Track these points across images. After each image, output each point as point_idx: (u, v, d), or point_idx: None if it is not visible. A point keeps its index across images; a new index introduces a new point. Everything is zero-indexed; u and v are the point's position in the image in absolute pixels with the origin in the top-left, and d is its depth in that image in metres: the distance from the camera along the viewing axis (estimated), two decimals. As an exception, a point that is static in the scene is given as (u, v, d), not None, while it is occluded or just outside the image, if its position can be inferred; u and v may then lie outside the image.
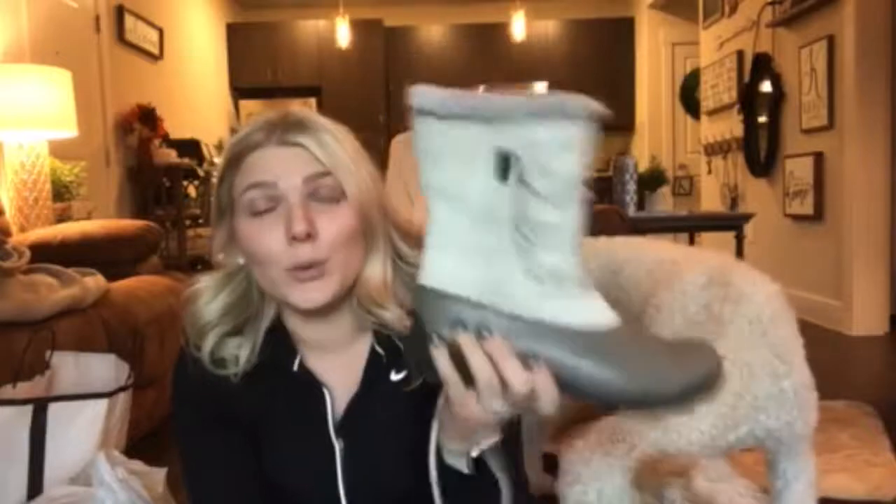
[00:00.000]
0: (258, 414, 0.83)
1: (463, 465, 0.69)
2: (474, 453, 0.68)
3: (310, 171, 0.75)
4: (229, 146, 0.79)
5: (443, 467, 0.70)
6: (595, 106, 0.57)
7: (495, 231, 0.57)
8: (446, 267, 0.59)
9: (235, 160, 0.77)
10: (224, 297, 0.82)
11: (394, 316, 0.78)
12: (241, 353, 0.81)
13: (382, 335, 0.81)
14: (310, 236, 0.73)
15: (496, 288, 0.57)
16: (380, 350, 0.81)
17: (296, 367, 0.82)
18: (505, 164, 0.55)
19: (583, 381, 0.56)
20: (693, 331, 1.00)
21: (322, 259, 0.74)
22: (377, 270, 0.79)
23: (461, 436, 0.67)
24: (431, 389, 0.66)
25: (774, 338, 1.01)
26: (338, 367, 0.83)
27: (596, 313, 0.57)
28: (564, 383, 0.57)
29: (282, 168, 0.75)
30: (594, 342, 0.56)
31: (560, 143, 0.55)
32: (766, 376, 0.98)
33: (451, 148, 0.57)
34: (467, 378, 0.59)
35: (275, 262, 0.74)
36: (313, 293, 0.75)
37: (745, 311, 1.01)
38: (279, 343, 0.83)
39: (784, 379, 1.00)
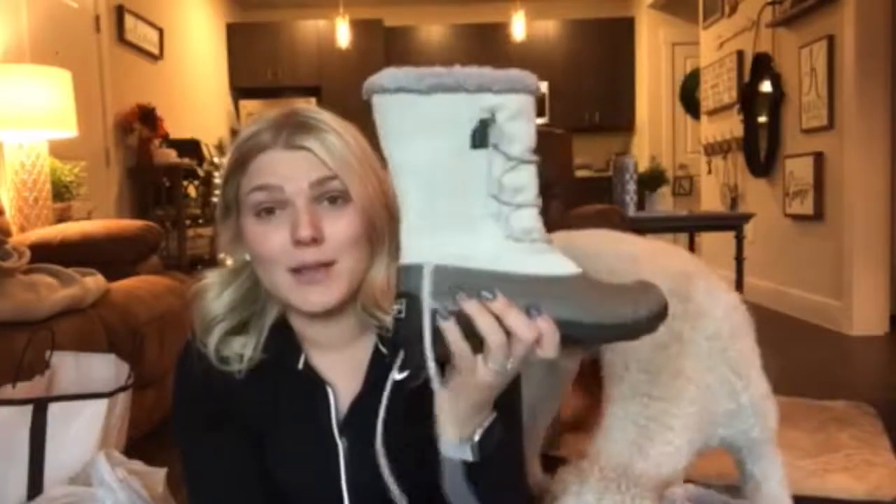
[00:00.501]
0: (261, 412, 0.83)
1: (468, 453, 0.69)
2: (477, 436, 0.68)
3: (316, 176, 0.75)
4: (236, 146, 0.79)
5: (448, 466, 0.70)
6: (536, 82, 0.64)
7: (470, 200, 0.61)
8: (431, 242, 0.62)
9: (242, 161, 0.78)
10: (231, 292, 0.83)
11: None
12: (245, 351, 0.81)
13: (386, 335, 0.81)
14: (315, 241, 0.73)
15: (481, 254, 0.61)
16: (383, 349, 0.82)
17: (301, 366, 0.82)
18: (484, 131, 0.61)
19: (560, 322, 0.62)
20: (658, 355, 0.99)
21: (327, 261, 0.75)
22: (381, 273, 0.79)
23: (463, 419, 0.68)
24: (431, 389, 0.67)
25: (733, 352, 1.01)
26: (341, 365, 0.83)
27: (564, 263, 0.63)
28: None
29: (288, 172, 0.75)
30: (566, 288, 0.62)
31: (524, 111, 0.62)
32: (725, 395, 1.00)
33: (423, 122, 0.62)
34: (475, 345, 0.62)
35: (278, 263, 0.75)
36: (317, 297, 0.75)
37: (704, 328, 1.00)
38: (284, 340, 0.83)
39: (742, 394, 1.01)
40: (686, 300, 1.02)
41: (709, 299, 1.03)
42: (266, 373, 0.82)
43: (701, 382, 0.98)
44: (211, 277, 0.84)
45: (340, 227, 0.75)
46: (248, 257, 0.81)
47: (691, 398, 0.97)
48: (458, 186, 0.61)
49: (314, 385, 0.82)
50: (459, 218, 0.61)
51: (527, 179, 0.61)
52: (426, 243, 0.62)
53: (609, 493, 0.88)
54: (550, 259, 0.62)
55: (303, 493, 0.82)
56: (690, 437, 0.97)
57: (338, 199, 0.76)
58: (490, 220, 0.61)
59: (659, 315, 0.63)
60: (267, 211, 0.76)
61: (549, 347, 0.61)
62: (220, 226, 0.82)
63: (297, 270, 0.75)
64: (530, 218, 0.62)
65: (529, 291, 0.61)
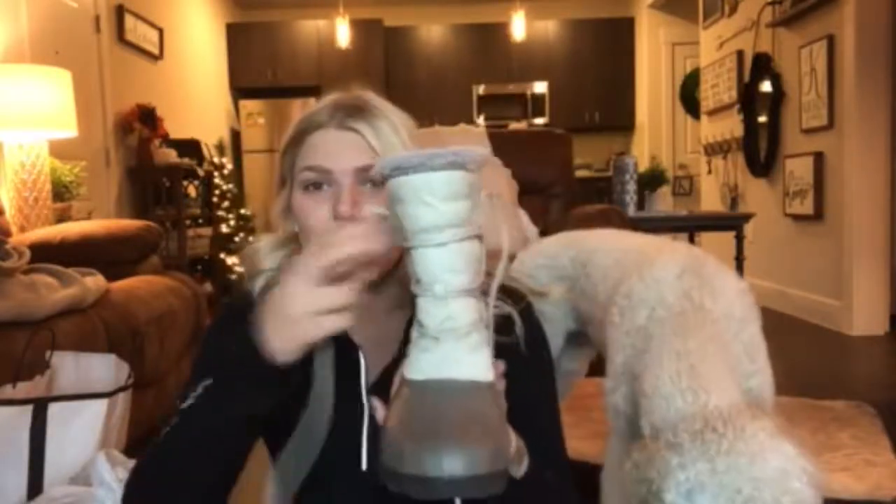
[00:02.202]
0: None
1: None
2: None
3: (362, 163, 0.80)
4: (298, 119, 0.85)
5: None
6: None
7: None
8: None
9: (298, 137, 0.84)
10: (279, 256, 0.88)
11: None
12: None
13: None
14: (353, 217, 0.78)
15: None
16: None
17: None
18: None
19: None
20: (675, 322, 0.98)
21: None
22: None
23: None
24: None
25: (745, 334, 1.01)
26: (374, 339, 0.86)
27: (418, 369, 0.60)
28: None
29: (336, 154, 0.81)
30: (403, 396, 0.60)
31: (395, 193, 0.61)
32: (738, 375, 0.98)
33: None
34: None
35: (319, 236, 0.79)
36: None
37: (720, 306, 1.00)
38: None
39: (752, 378, 1.00)
40: (700, 275, 1.02)
41: (720, 279, 1.04)
42: None
43: (727, 353, 0.96)
44: (263, 240, 0.90)
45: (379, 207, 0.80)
46: (296, 228, 0.86)
47: (720, 357, 0.94)
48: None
49: (346, 348, 0.84)
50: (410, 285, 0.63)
51: (413, 266, 0.59)
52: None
53: (713, 443, 0.76)
54: (419, 359, 0.59)
55: (322, 449, 0.83)
56: (738, 391, 0.90)
57: (380, 183, 0.79)
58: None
59: (475, 480, 0.52)
60: (315, 186, 0.81)
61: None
62: (277, 196, 0.88)
63: None
64: (421, 309, 0.59)
65: (397, 385, 0.62)
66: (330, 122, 0.82)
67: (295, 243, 0.88)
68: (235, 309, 0.87)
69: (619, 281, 1.13)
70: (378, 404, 0.65)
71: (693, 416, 0.82)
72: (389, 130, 0.82)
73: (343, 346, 0.85)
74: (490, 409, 0.57)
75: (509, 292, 0.86)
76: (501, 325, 0.80)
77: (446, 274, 0.57)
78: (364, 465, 0.83)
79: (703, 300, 0.99)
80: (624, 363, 1.03)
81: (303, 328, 0.65)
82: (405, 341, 0.84)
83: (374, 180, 0.80)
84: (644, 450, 0.83)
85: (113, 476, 1.27)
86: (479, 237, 0.59)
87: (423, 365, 0.58)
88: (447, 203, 0.56)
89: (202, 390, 0.71)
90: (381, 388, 0.82)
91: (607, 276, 1.20)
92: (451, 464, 0.51)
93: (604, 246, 1.27)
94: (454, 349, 0.57)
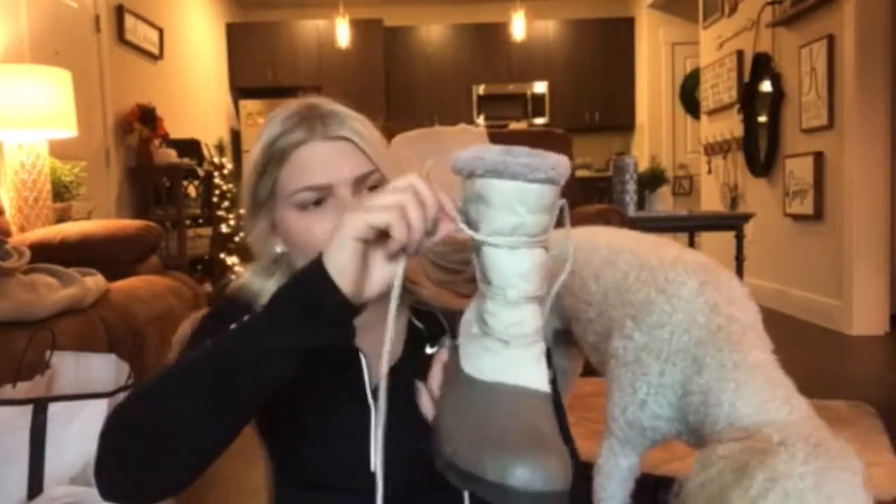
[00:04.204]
0: None
1: None
2: None
3: (360, 170, 0.79)
4: (264, 147, 0.80)
5: None
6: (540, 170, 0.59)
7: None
8: None
9: (280, 156, 0.80)
10: (272, 283, 0.85)
11: (430, 293, 0.84)
12: None
13: (421, 311, 0.85)
14: None
15: (463, 320, 0.65)
16: (418, 324, 0.86)
17: None
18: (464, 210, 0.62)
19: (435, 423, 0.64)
20: (714, 339, 0.98)
21: None
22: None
23: None
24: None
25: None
26: (373, 341, 0.85)
27: (497, 371, 0.61)
28: None
29: (333, 166, 0.78)
30: (473, 394, 0.60)
31: (487, 196, 0.60)
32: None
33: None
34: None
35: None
36: None
37: (746, 315, 1.01)
38: None
39: None
40: (718, 286, 1.03)
41: (734, 289, 1.04)
42: None
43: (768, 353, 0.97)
44: (248, 272, 0.87)
45: None
46: (279, 249, 0.84)
47: (773, 363, 0.96)
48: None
49: (346, 353, 0.84)
50: (478, 280, 0.62)
51: (483, 266, 0.59)
52: None
53: (823, 452, 0.80)
54: (484, 358, 0.59)
55: (329, 453, 0.83)
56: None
57: (376, 188, 0.80)
58: (480, 293, 0.62)
59: (550, 496, 0.51)
60: (315, 203, 0.79)
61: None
62: (251, 219, 0.84)
63: None
64: (487, 310, 0.59)
65: (448, 376, 0.62)
66: (312, 135, 0.79)
67: (280, 266, 0.85)
68: (230, 308, 0.84)
69: (621, 287, 1.12)
70: (421, 386, 0.66)
71: (795, 424, 0.85)
72: (365, 129, 0.81)
73: (344, 351, 0.85)
74: (554, 423, 0.58)
75: None
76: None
77: (519, 280, 0.58)
78: (373, 467, 0.82)
79: (732, 312, 1.00)
80: (659, 386, 1.03)
81: (351, 220, 0.62)
82: (407, 343, 0.85)
83: (372, 186, 0.79)
84: (745, 447, 0.82)
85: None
86: (547, 246, 0.59)
87: (488, 365, 0.58)
88: (534, 214, 0.57)
89: (237, 325, 0.66)
90: (390, 391, 0.84)
91: (600, 276, 1.19)
92: (533, 476, 0.51)
93: (586, 244, 1.27)
94: (522, 356, 0.58)
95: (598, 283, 1.18)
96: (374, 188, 0.80)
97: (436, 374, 0.67)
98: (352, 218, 0.62)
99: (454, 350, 0.65)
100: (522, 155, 0.56)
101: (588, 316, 1.20)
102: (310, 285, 0.63)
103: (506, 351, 0.58)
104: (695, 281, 1.04)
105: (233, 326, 0.67)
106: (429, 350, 0.84)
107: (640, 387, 1.04)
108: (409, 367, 0.83)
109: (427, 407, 0.66)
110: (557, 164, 0.57)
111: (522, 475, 0.51)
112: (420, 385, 0.67)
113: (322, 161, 0.79)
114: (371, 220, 0.61)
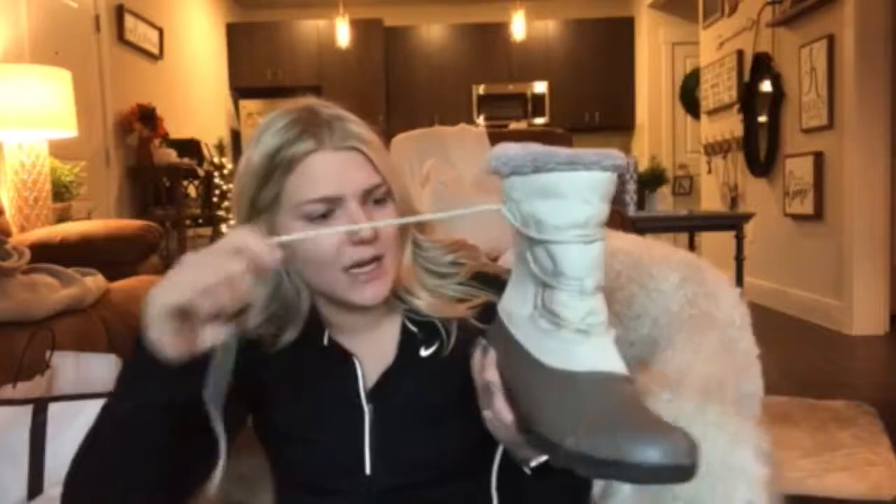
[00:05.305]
0: (280, 377, 0.86)
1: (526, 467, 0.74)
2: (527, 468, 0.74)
3: (369, 183, 0.78)
4: (271, 152, 0.78)
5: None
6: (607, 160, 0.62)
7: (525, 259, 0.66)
8: (511, 284, 0.68)
9: (287, 165, 0.77)
10: (260, 289, 0.83)
11: (425, 304, 0.84)
12: (286, 337, 0.84)
13: (414, 316, 0.86)
14: (375, 238, 0.78)
15: (517, 315, 0.65)
16: (412, 328, 0.86)
17: (325, 342, 0.86)
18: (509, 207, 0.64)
19: (524, 417, 0.63)
20: (683, 324, 0.98)
21: (381, 255, 0.79)
22: (407, 259, 0.85)
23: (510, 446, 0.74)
24: (457, 367, 0.74)
25: (743, 344, 1.01)
26: (366, 345, 0.86)
27: (589, 360, 0.61)
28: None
29: (344, 177, 0.77)
30: (568, 386, 0.60)
31: (557, 190, 0.62)
32: (735, 387, 0.99)
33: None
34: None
35: (333, 264, 0.77)
36: (375, 289, 0.79)
37: (724, 314, 1.00)
38: (309, 323, 0.86)
39: (748, 383, 1.01)
40: (700, 283, 1.02)
41: (719, 286, 1.04)
42: (290, 350, 0.85)
43: (731, 358, 0.97)
44: None
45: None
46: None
47: (727, 368, 0.96)
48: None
49: (340, 358, 0.85)
50: (523, 273, 0.63)
51: (555, 261, 0.59)
52: (510, 286, 0.67)
53: (711, 403, 0.81)
54: (572, 350, 0.59)
55: (325, 457, 0.84)
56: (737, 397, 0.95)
57: (383, 198, 0.81)
58: (532, 286, 0.62)
59: (676, 468, 0.52)
60: (323, 216, 0.77)
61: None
62: (248, 224, 0.82)
63: (352, 269, 0.78)
64: (560, 302, 0.59)
65: (527, 374, 0.62)
66: (321, 145, 0.77)
67: (271, 272, 0.83)
68: None
69: (613, 286, 1.12)
70: (496, 389, 0.66)
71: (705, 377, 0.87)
72: (370, 136, 0.80)
73: (336, 356, 0.86)
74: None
75: (489, 279, 0.86)
76: (481, 314, 0.81)
77: (594, 270, 0.59)
78: (368, 471, 0.82)
79: (709, 307, 1.00)
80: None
81: (153, 304, 0.61)
82: (401, 346, 0.85)
83: (377, 198, 0.79)
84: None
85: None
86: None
87: (577, 356, 0.59)
88: (604, 203, 0.59)
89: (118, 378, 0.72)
90: (379, 393, 0.84)
91: None
92: (676, 449, 0.53)
93: None
94: (604, 344, 0.59)
95: None
96: (379, 201, 0.80)
97: (492, 376, 0.67)
98: (155, 295, 0.60)
99: (507, 349, 0.65)
100: (589, 151, 0.60)
101: None
102: (144, 353, 0.63)
103: (589, 340, 0.59)
104: (677, 276, 1.04)
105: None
106: (423, 353, 0.85)
107: None
108: (403, 370, 0.84)
109: (504, 409, 0.66)
110: (620, 154, 0.60)
111: (663, 451, 0.52)
112: (494, 387, 0.66)
113: (333, 172, 0.77)
114: (170, 301, 0.59)
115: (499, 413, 0.66)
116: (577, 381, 0.58)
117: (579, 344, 0.59)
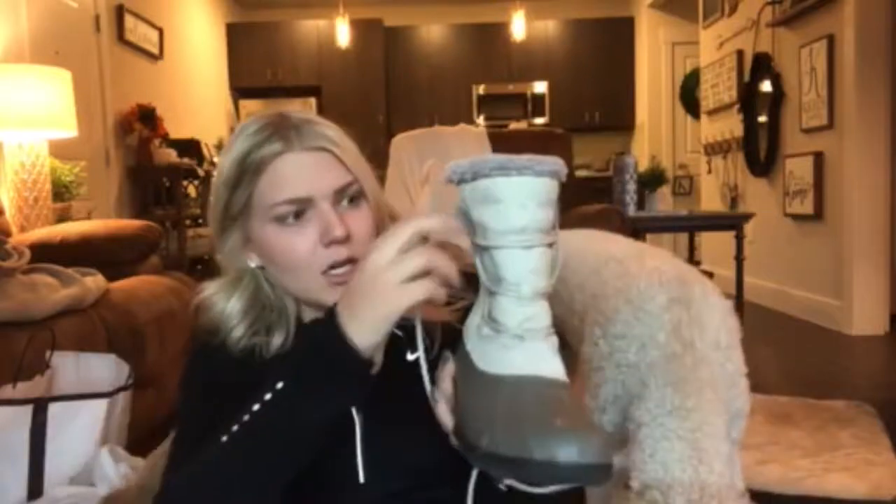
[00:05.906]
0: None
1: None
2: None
3: (340, 182, 0.78)
4: (240, 157, 0.78)
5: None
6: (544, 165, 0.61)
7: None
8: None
9: (256, 168, 0.78)
10: (236, 300, 0.84)
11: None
12: (276, 343, 0.84)
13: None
14: (348, 238, 0.77)
15: (469, 325, 0.65)
16: (397, 332, 0.83)
17: None
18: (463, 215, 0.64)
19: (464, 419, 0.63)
20: (669, 368, 0.97)
21: (355, 257, 0.77)
22: None
23: None
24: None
25: (730, 365, 1.00)
26: None
27: (525, 364, 0.61)
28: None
29: (314, 178, 0.77)
30: (505, 392, 0.60)
31: (494, 196, 0.62)
32: (724, 409, 0.98)
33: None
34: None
35: (308, 267, 0.77)
36: None
37: (706, 337, 0.99)
38: (297, 328, 0.85)
39: (735, 401, 1.00)
40: (688, 304, 1.00)
41: (706, 306, 1.02)
42: (277, 359, 0.84)
43: (720, 392, 0.96)
44: (212, 288, 0.85)
45: (361, 224, 0.79)
46: (252, 264, 0.82)
47: (718, 410, 0.94)
48: None
49: None
50: (482, 283, 0.63)
51: (497, 266, 0.59)
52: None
53: None
54: (505, 355, 0.60)
55: (317, 468, 0.83)
56: (729, 448, 0.93)
57: (356, 198, 0.80)
58: (483, 294, 0.62)
59: (593, 468, 0.52)
60: (295, 216, 0.77)
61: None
62: (223, 234, 0.82)
63: (327, 272, 0.77)
64: (500, 309, 0.60)
65: (466, 381, 0.62)
66: (289, 146, 0.77)
67: (244, 282, 0.84)
68: (210, 347, 0.84)
69: (600, 295, 1.11)
70: (440, 396, 0.66)
71: (691, 485, 0.84)
72: (340, 138, 0.80)
73: None
74: (581, 407, 0.59)
75: (474, 281, 0.86)
76: (465, 317, 0.81)
77: (532, 276, 0.59)
78: (362, 479, 0.82)
79: (692, 337, 0.98)
80: (615, 396, 1.02)
81: (390, 300, 0.64)
82: (386, 351, 0.84)
83: (351, 196, 0.79)
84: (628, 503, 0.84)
85: (116, 472, 1.27)
86: (554, 244, 0.61)
87: (508, 361, 0.59)
88: (542, 208, 0.59)
89: (261, 403, 0.68)
90: (368, 401, 0.81)
91: (584, 286, 1.18)
92: (583, 450, 0.52)
93: (580, 251, 1.26)
94: (540, 349, 0.59)
95: (583, 292, 1.17)
96: (353, 200, 0.79)
97: (447, 387, 0.67)
98: (392, 296, 0.63)
99: (460, 359, 0.66)
100: (525, 157, 0.58)
101: (573, 324, 1.19)
102: (335, 355, 0.65)
103: (522, 345, 0.59)
104: (664, 296, 1.00)
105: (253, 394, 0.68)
106: (409, 357, 0.83)
107: (599, 393, 1.03)
108: (391, 376, 0.84)
109: (445, 415, 0.66)
110: (559, 161, 0.59)
111: (572, 450, 0.52)
112: (438, 395, 0.67)
113: (302, 173, 0.77)
114: (414, 296, 0.63)
115: (440, 421, 0.66)
116: (503, 384, 0.58)
117: (513, 349, 0.59)
